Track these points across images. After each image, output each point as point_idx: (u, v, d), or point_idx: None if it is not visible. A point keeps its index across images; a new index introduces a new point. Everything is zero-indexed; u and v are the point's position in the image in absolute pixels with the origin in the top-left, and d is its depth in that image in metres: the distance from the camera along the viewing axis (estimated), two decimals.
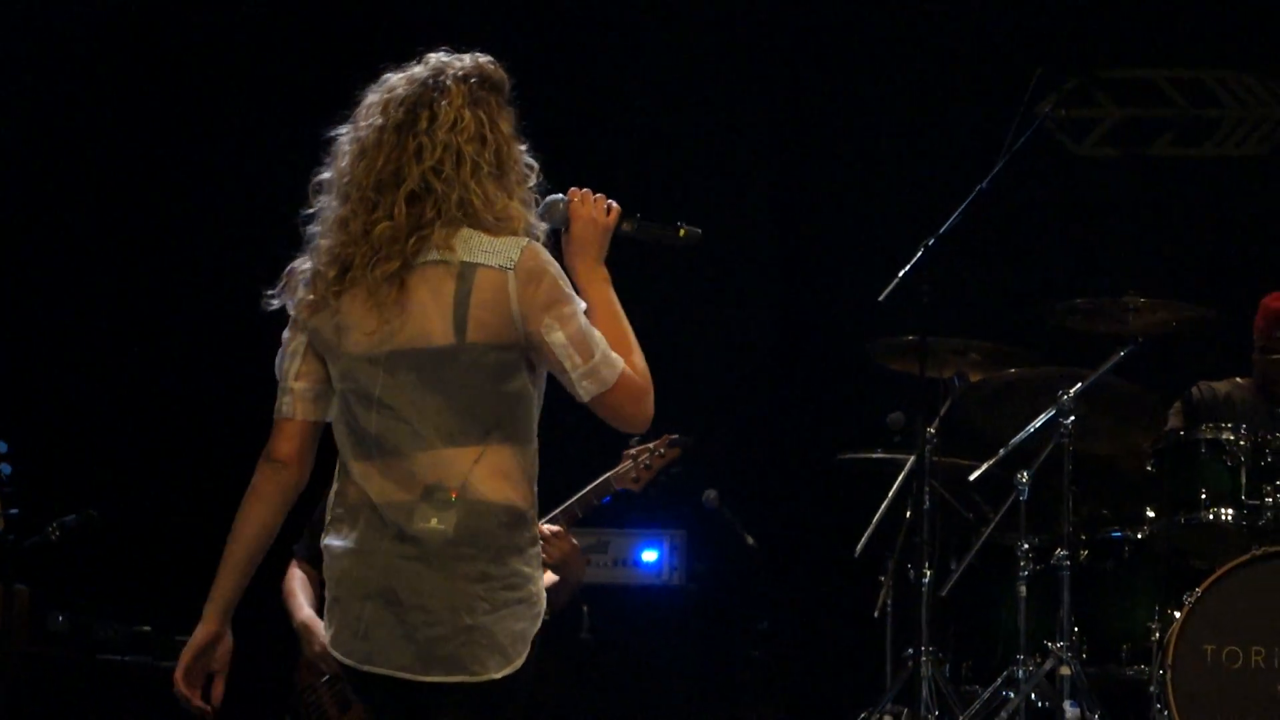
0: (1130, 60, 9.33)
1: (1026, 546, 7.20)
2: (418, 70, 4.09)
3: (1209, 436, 7.18)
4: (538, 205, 4.15)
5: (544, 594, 4.11)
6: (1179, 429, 7.39)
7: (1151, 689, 6.90)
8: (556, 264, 4.04)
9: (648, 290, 8.90)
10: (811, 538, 8.57)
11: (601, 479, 6.52)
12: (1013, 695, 7.10)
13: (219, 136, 8.87)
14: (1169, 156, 9.33)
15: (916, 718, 6.96)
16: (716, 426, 8.56)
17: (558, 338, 3.96)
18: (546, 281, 3.97)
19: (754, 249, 9.12)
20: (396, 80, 4.08)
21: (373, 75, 4.14)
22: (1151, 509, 7.35)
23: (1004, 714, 7.05)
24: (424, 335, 3.95)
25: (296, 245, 4.11)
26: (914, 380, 7.25)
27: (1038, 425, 7.20)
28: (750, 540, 7.75)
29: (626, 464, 6.52)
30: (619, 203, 4.26)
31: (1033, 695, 7.13)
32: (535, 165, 4.16)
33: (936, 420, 7.19)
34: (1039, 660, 7.10)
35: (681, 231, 4.30)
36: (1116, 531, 7.47)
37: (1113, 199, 9.17)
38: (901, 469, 7.33)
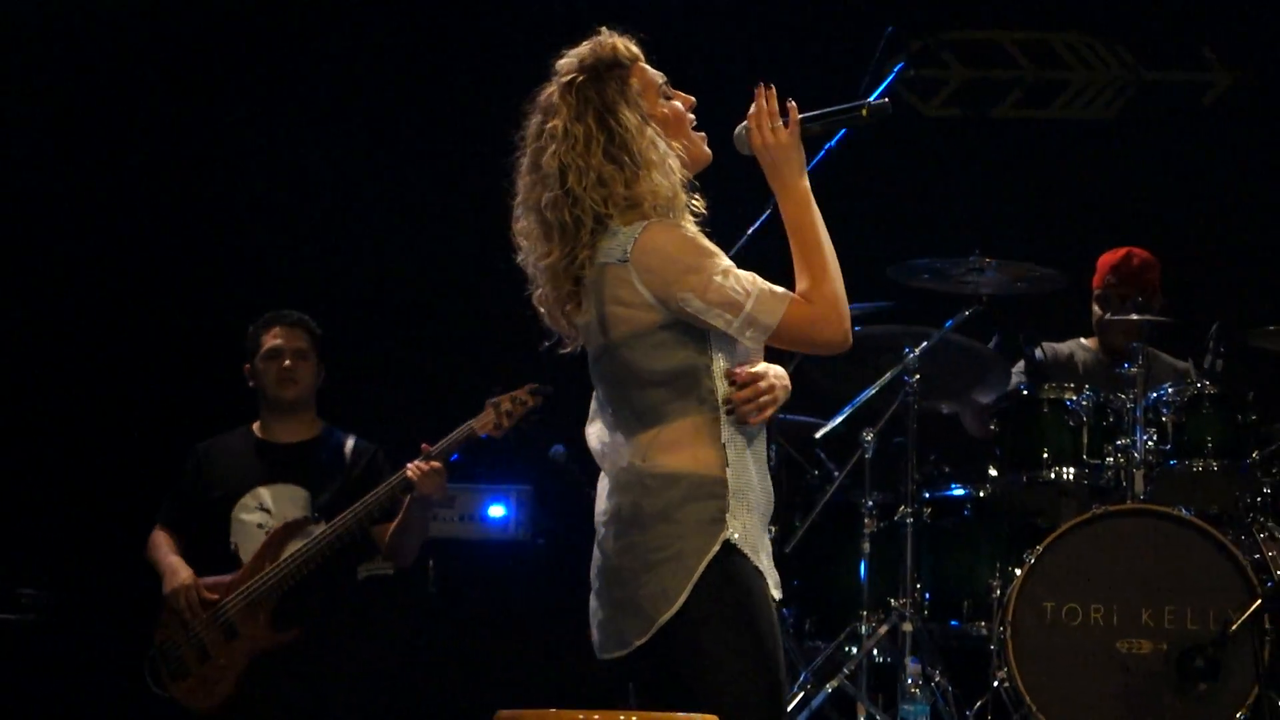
0: (977, 22, 9.40)
1: (871, 504, 7.30)
2: (544, 91, 4.30)
3: (1051, 396, 7.27)
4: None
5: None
6: (1021, 388, 7.46)
7: (992, 646, 6.98)
8: (676, 232, 4.14)
9: (503, 236, 8.97)
10: None
11: (464, 425, 6.57)
12: (855, 651, 7.18)
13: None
14: (1015, 118, 9.41)
15: None
16: (565, 380, 8.56)
17: (698, 305, 4.06)
18: (660, 259, 4.08)
19: None
20: (534, 105, 4.32)
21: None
22: (994, 467, 7.43)
23: (846, 669, 7.13)
24: (590, 340, 4.28)
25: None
26: None
27: (883, 384, 7.27)
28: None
29: (489, 412, 6.57)
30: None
31: (875, 651, 7.21)
32: (677, 113, 4.35)
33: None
34: (882, 617, 7.19)
35: (865, 111, 4.27)
36: (960, 489, 7.57)
37: (959, 160, 9.23)
38: None
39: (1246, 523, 6.98)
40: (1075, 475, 7.21)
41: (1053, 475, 7.23)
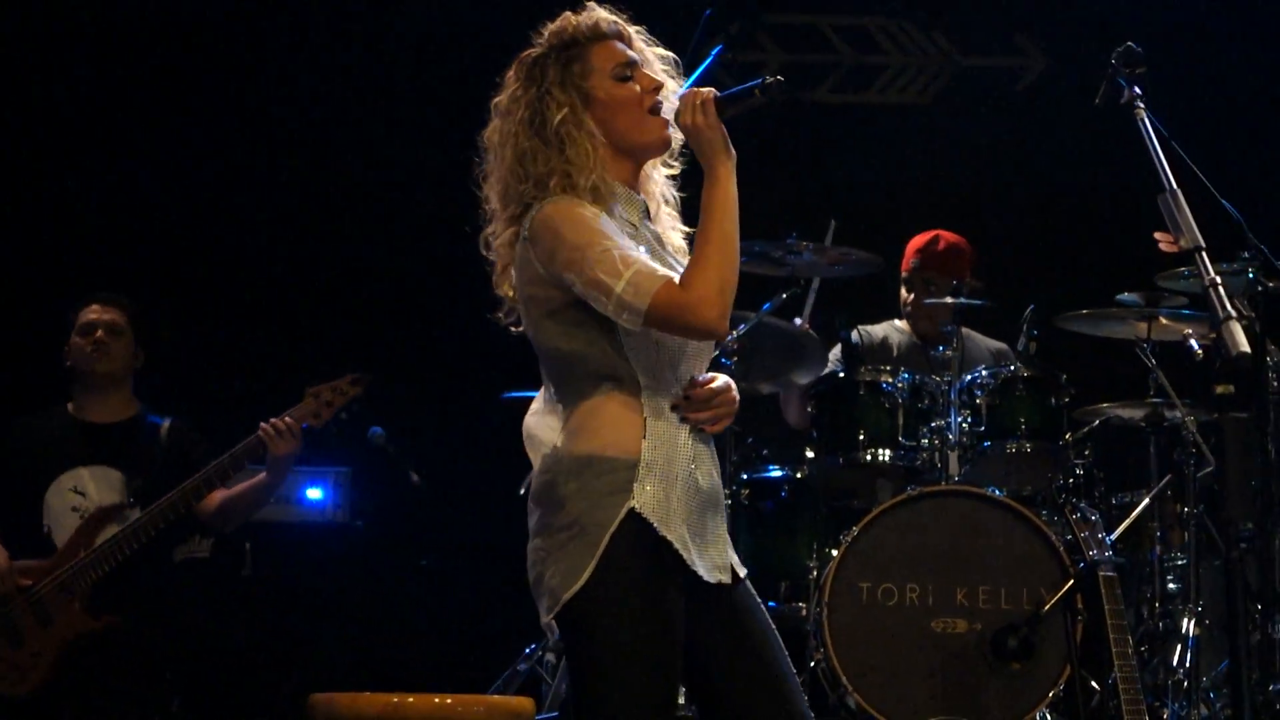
0: (795, 6, 9.44)
1: None
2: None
3: (867, 379, 7.33)
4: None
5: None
6: (839, 371, 7.51)
7: (809, 626, 7.03)
8: (568, 210, 4.08)
9: (319, 229, 8.91)
10: (477, 475, 8.55)
11: (284, 415, 6.51)
12: None
13: None
14: (832, 102, 9.47)
15: None
16: (383, 363, 8.51)
17: (579, 286, 4.01)
18: (546, 240, 4.05)
19: (414, 192, 9.05)
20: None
21: None
22: (811, 449, 7.48)
23: None
24: (522, 320, 4.26)
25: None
26: None
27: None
28: (416, 478, 7.71)
29: (308, 401, 6.53)
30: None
31: None
32: (627, 95, 4.20)
33: None
34: None
35: (757, 91, 4.14)
36: (777, 471, 7.60)
37: (777, 143, 9.27)
38: None
39: (1059, 504, 7.07)
40: (891, 457, 7.28)
41: (869, 457, 7.29)
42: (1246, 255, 7.55)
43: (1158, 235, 3.70)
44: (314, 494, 8.30)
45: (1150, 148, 3.58)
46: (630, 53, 4.24)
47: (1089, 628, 6.67)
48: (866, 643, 6.79)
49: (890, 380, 7.32)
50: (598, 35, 4.24)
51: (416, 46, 9.20)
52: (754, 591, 4.26)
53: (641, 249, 4.08)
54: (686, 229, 4.29)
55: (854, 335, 7.76)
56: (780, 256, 7.39)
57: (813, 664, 6.95)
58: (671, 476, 4.05)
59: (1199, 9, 9.04)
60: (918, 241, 7.96)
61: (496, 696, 3.95)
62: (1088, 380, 7.51)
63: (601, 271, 3.96)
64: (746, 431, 7.65)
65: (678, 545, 4.01)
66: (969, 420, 7.23)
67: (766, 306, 7.33)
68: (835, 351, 7.80)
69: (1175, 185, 3.49)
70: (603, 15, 4.28)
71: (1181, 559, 7.43)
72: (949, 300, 7.49)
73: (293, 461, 6.66)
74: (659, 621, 3.98)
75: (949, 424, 7.20)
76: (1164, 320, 7.18)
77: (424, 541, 8.63)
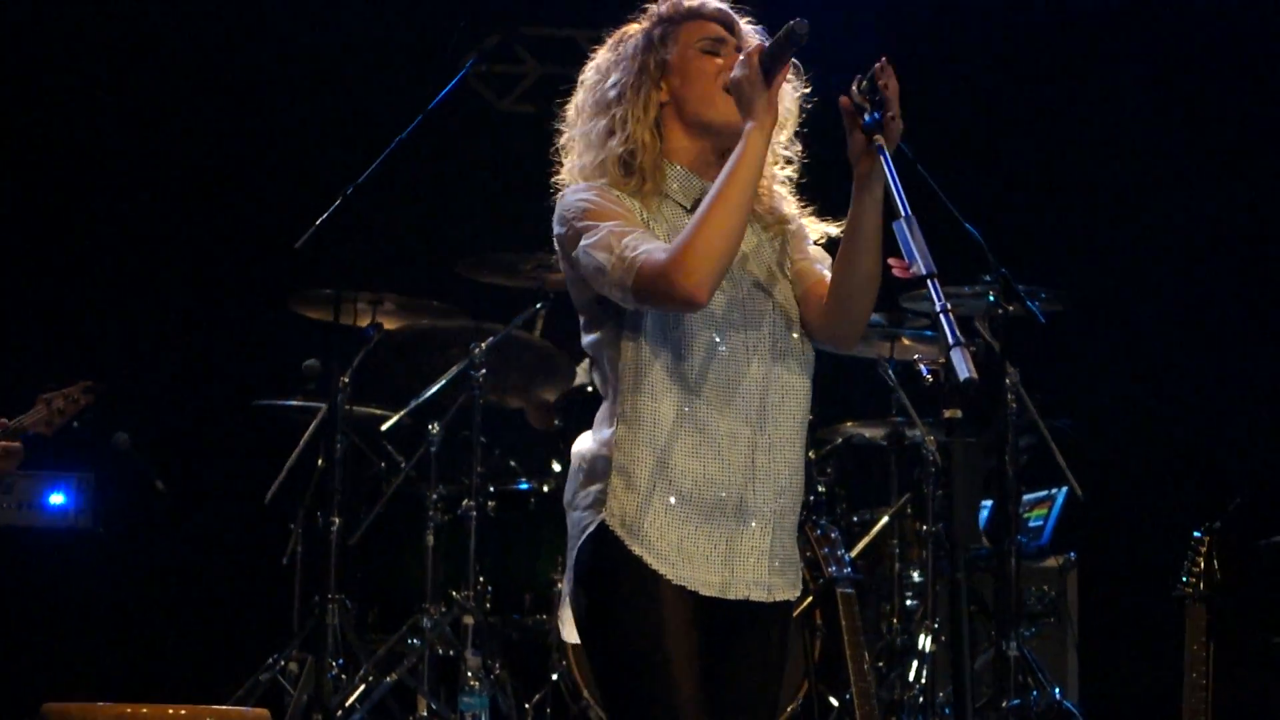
0: (553, 19, 9.46)
1: (436, 496, 7.31)
2: None
3: None
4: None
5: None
6: (586, 384, 7.55)
7: (552, 639, 7.05)
8: (577, 195, 3.96)
9: (69, 231, 8.77)
10: (224, 483, 8.48)
11: (12, 423, 6.39)
12: (418, 643, 7.19)
13: None
14: None
15: (321, 665, 6.97)
16: (129, 368, 8.42)
17: (585, 269, 3.82)
18: (557, 224, 3.96)
19: (166, 196, 8.96)
20: None
21: None
22: (558, 462, 7.53)
23: (407, 662, 7.14)
24: None
25: None
26: (330, 329, 7.24)
27: (449, 377, 7.29)
28: (160, 485, 7.63)
29: (39, 408, 6.41)
30: None
31: (438, 644, 7.23)
32: (699, 68, 3.97)
33: (350, 369, 7.19)
34: (444, 609, 7.21)
35: (790, 43, 3.80)
36: (524, 483, 7.62)
37: (533, 155, 9.27)
38: (315, 416, 7.32)
39: (800, 520, 7.15)
40: None
41: None
42: (988, 279, 7.74)
43: (891, 261, 3.76)
44: (56, 499, 8.17)
45: (888, 173, 3.64)
46: (729, 36, 4.00)
47: (827, 644, 6.75)
48: None
49: None
50: (696, 14, 4.02)
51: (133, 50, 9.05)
52: (783, 617, 4.00)
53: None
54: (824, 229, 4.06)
55: None
56: (530, 269, 7.41)
57: (555, 676, 6.98)
58: (640, 483, 3.82)
59: (932, 39, 9.19)
60: None
61: (232, 708, 3.91)
62: (831, 399, 7.61)
63: (593, 253, 3.78)
64: (493, 444, 7.67)
65: (653, 557, 3.79)
66: None
67: (515, 320, 7.35)
68: (584, 364, 7.83)
69: (910, 212, 3.55)
70: (714, 2, 4.05)
71: (920, 576, 7.57)
72: None
73: (9, 471, 6.54)
74: (625, 636, 3.77)
75: None
76: (906, 340, 7.31)
77: (167, 549, 8.53)
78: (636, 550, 3.78)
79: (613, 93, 3.98)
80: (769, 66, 3.78)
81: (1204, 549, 6.12)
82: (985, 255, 7.61)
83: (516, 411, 8.07)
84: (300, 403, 7.61)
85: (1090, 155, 9.23)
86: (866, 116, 3.73)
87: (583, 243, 3.81)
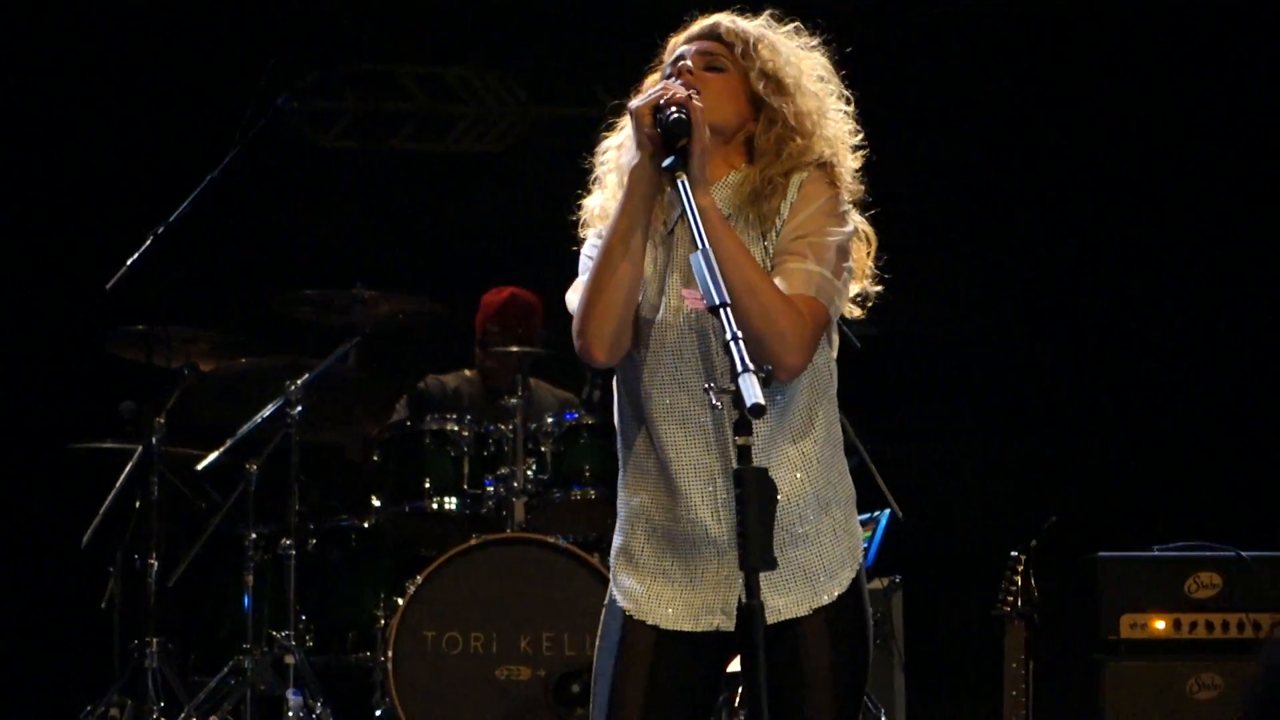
0: (372, 54, 9.44)
1: (255, 535, 7.25)
2: None
3: (433, 428, 7.38)
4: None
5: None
6: (405, 420, 7.54)
7: (375, 676, 7.02)
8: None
9: None
10: (38, 528, 8.37)
11: None
12: (239, 683, 7.12)
13: None
14: (409, 150, 9.49)
15: (142, 709, 6.90)
16: None
17: None
18: None
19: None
20: None
21: None
22: (378, 498, 7.50)
23: (229, 703, 7.07)
24: None
25: None
26: (144, 369, 7.17)
27: (265, 415, 7.24)
28: None
29: None
30: None
31: (260, 684, 7.16)
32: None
33: (166, 410, 7.13)
34: (265, 649, 7.15)
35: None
36: (344, 520, 7.58)
37: (354, 191, 9.26)
38: (131, 458, 7.24)
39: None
40: (458, 505, 7.35)
41: (435, 505, 7.35)
42: None
43: (685, 292, 3.78)
44: None
45: (687, 209, 3.65)
46: (694, 56, 3.96)
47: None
48: (431, 691, 6.82)
49: (456, 429, 7.37)
50: (687, 38, 4.02)
51: None
52: (835, 618, 3.88)
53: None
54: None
55: (422, 384, 7.79)
56: (346, 305, 7.38)
57: (379, 713, 6.94)
58: (625, 519, 3.93)
59: None
60: (493, 299, 8.00)
61: None
62: None
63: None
64: (313, 481, 7.62)
65: (621, 594, 3.88)
66: (534, 468, 7.32)
67: (334, 356, 7.30)
68: (403, 400, 7.82)
69: (708, 245, 3.56)
70: (712, 20, 4.01)
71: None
72: (515, 349, 7.57)
73: None
74: (610, 677, 3.85)
75: (514, 472, 7.27)
76: None
77: None
78: (613, 590, 3.91)
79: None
80: (670, 132, 3.73)
81: (1021, 568, 6.20)
82: None
83: (336, 448, 8.03)
84: (115, 445, 7.52)
85: (899, 177, 9.30)
86: (670, 158, 3.73)
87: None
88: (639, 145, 3.78)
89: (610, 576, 3.95)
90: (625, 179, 3.83)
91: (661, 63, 4.05)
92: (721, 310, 3.50)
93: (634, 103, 3.80)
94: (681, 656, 3.85)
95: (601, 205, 4.05)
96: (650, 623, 3.85)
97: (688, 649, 3.85)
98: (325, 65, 9.10)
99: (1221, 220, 9.19)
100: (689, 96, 3.77)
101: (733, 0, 4.17)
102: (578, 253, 4.04)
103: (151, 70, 8.92)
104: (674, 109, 3.73)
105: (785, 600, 3.85)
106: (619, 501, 3.97)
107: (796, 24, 4.07)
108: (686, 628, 3.85)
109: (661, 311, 3.88)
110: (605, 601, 3.95)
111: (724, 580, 3.83)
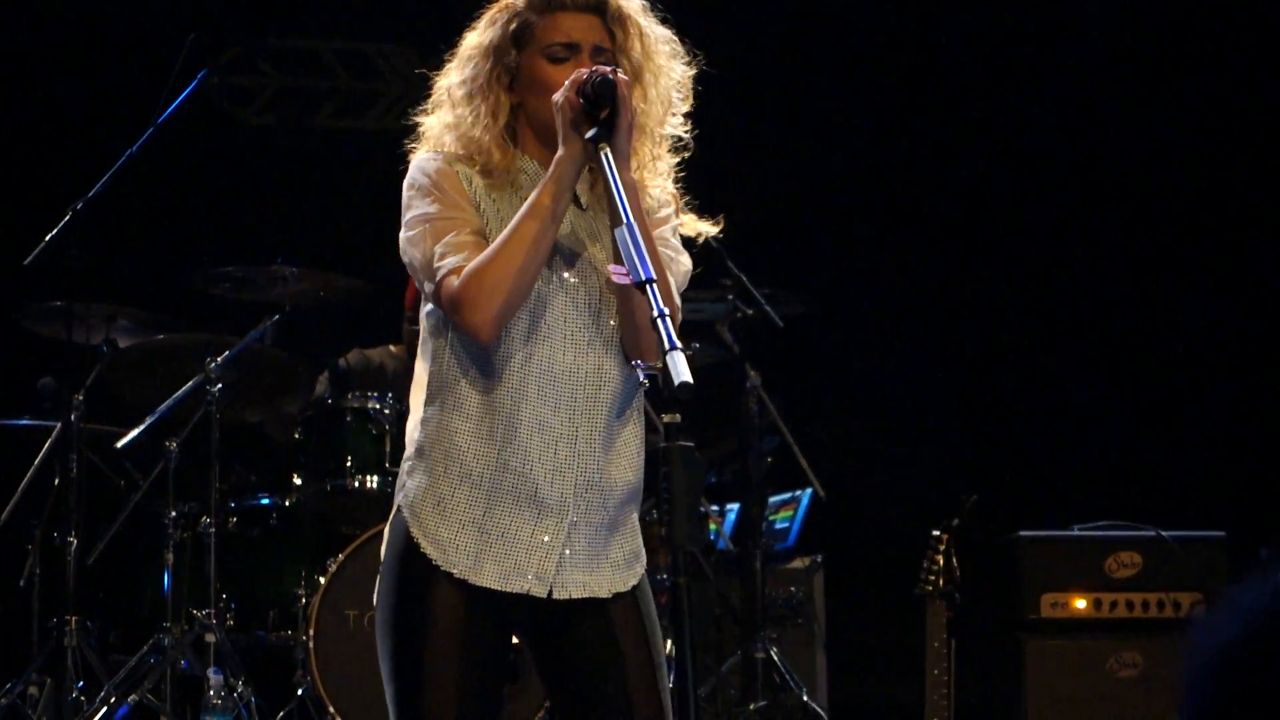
0: (295, 30, 9.39)
1: (175, 514, 7.21)
2: None
3: (355, 405, 7.35)
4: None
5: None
6: (326, 397, 7.50)
7: (297, 655, 6.99)
8: (416, 163, 3.93)
9: None
10: None
11: None
12: (159, 661, 7.08)
13: None
14: (330, 127, 9.45)
15: (61, 688, 6.85)
16: None
17: (401, 253, 3.87)
18: (405, 185, 3.92)
19: None
20: None
21: None
22: (299, 476, 7.46)
23: (149, 682, 7.03)
24: None
25: None
26: (62, 346, 7.12)
27: (185, 393, 7.19)
28: None
29: None
30: None
31: (180, 662, 7.13)
32: (543, 77, 3.83)
33: (85, 387, 7.07)
34: (186, 627, 7.11)
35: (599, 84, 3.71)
36: (265, 498, 7.55)
37: (274, 168, 9.21)
38: (50, 435, 7.19)
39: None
40: (379, 483, 7.31)
41: (357, 483, 7.32)
42: (726, 283, 7.80)
43: (611, 267, 3.75)
44: None
45: (611, 182, 3.63)
46: (592, 34, 3.86)
47: None
48: (352, 669, 6.77)
49: (378, 406, 7.35)
50: (559, 6, 3.86)
51: None
52: (635, 605, 3.86)
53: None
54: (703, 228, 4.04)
55: (343, 361, 7.74)
56: (267, 282, 7.34)
57: (300, 691, 6.92)
58: (435, 465, 3.79)
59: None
60: None
61: None
62: None
63: (413, 247, 3.80)
64: (233, 459, 7.58)
65: (426, 545, 3.76)
66: None
67: (253, 334, 7.26)
68: (324, 377, 7.78)
69: (632, 219, 3.54)
70: None
71: (667, 580, 7.60)
72: None
73: None
74: (400, 623, 3.76)
75: None
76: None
77: None
78: (415, 534, 3.76)
79: (463, 91, 3.89)
80: (594, 99, 3.68)
81: (942, 547, 6.22)
82: (724, 261, 7.69)
83: (256, 425, 7.99)
84: (33, 421, 7.46)
85: (825, 157, 9.33)
86: (594, 128, 3.70)
87: (403, 230, 3.83)
88: (563, 136, 3.71)
89: (405, 515, 3.81)
90: (557, 162, 3.72)
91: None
92: (648, 286, 3.48)
93: (556, 95, 3.73)
94: (487, 614, 3.77)
95: (440, 132, 3.96)
96: (458, 575, 3.75)
97: (492, 609, 3.78)
98: (246, 41, 9.03)
99: (1138, 196, 9.26)
100: (614, 69, 3.75)
101: None
102: None
103: (72, 44, 8.85)
104: (597, 75, 3.70)
105: (590, 579, 3.83)
106: (423, 439, 3.84)
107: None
108: (495, 585, 3.76)
109: (546, 278, 3.81)
110: (393, 545, 3.82)
111: (541, 545, 3.77)
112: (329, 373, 7.72)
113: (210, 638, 6.99)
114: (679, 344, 3.40)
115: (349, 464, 7.30)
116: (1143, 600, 6.94)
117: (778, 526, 8.60)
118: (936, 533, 6.22)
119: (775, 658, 7.70)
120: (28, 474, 7.21)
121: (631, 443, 3.89)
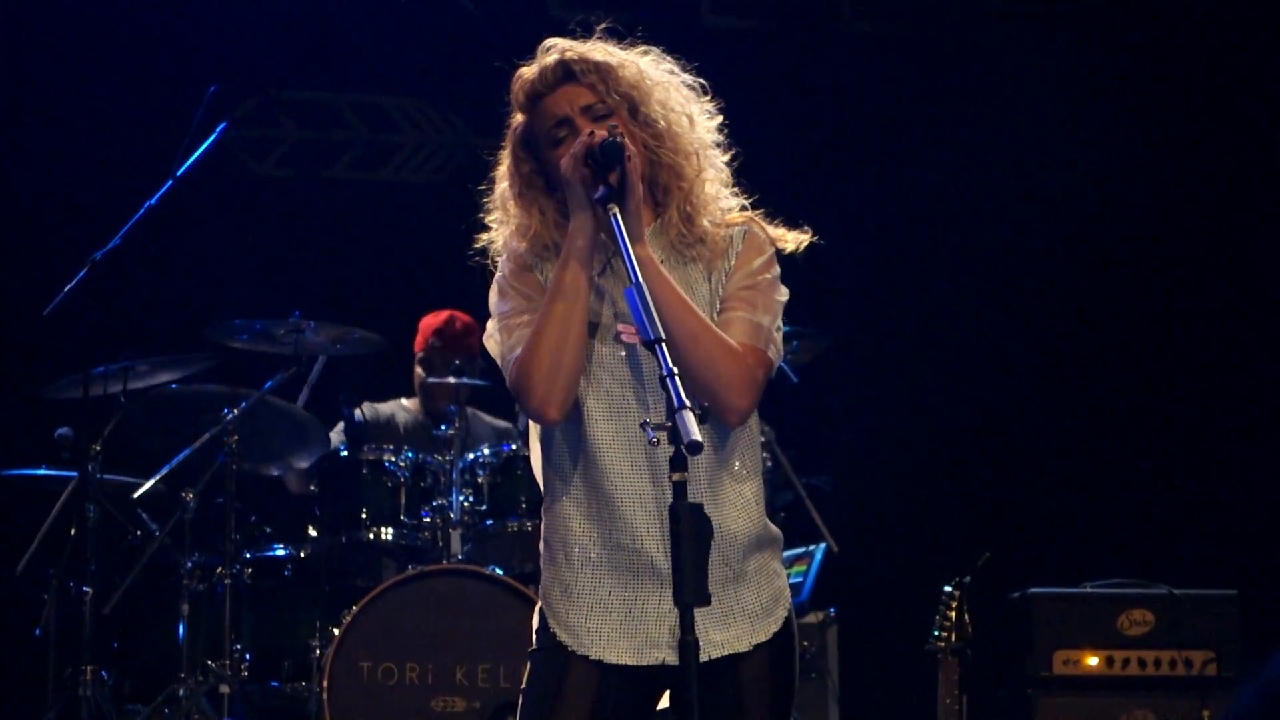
0: (312, 83, 9.44)
1: (190, 564, 7.23)
2: None
3: (370, 458, 7.38)
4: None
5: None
6: (341, 449, 7.52)
7: (310, 706, 7.01)
8: (499, 270, 4.01)
9: None
10: None
11: None
12: (173, 713, 7.09)
13: None
14: (347, 179, 9.48)
15: None
16: None
17: None
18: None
19: None
20: None
21: None
22: (314, 527, 7.48)
23: None
24: None
25: None
26: (80, 397, 7.14)
27: (200, 444, 7.21)
28: None
29: None
30: None
31: (194, 713, 7.14)
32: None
33: (102, 437, 7.09)
34: (201, 678, 7.12)
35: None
36: (281, 550, 7.56)
37: (291, 219, 9.24)
38: (67, 486, 7.21)
39: None
40: (394, 535, 7.34)
41: (372, 536, 7.34)
42: None
43: (621, 327, 3.80)
44: None
45: (620, 243, 3.67)
46: (576, 99, 3.91)
47: None
48: None
49: (393, 459, 7.38)
50: (537, 97, 3.92)
51: None
52: (767, 662, 3.89)
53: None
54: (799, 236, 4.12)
55: (358, 413, 7.77)
56: (283, 335, 7.38)
57: None
58: (556, 552, 3.89)
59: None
60: (433, 320, 8.02)
61: None
62: None
63: (490, 342, 3.95)
64: (249, 510, 7.60)
65: (560, 632, 3.84)
66: (471, 499, 7.32)
67: (268, 385, 7.29)
68: (339, 429, 7.80)
69: (641, 280, 3.58)
70: (547, 62, 3.94)
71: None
72: (452, 380, 7.59)
73: None
74: (546, 711, 3.81)
75: (450, 502, 7.28)
76: None
77: None
78: (551, 622, 3.85)
79: (513, 202, 4.00)
80: (602, 162, 3.75)
81: (954, 603, 6.23)
82: None
83: (272, 477, 8.01)
84: (51, 471, 7.49)
85: (838, 204, 9.34)
86: (601, 188, 3.75)
87: (488, 326, 3.95)
88: (571, 209, 3.81)
89: (537, 615, 3.90)
90: (574, 233, 3.82)
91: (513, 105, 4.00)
92: (657, 346, 3.51)
93: (563, 170, 3.80)
94: (624, 691, 3.83)
95: (509, 238, 4.02)
96: (594, 657, 3.81)
97: (628, 683, 3.83)
98: (264, 93, 9.08)
99: (1152, 254, 9.29)
100: (610, 126, 3.81)
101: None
102: None
103: (92, 97, 8.89)
104: (595, 141, 3.76)
105: (727, 635, 3.85)
106: (545, 531, 3.93)
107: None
108: (630, 661, 3.82)
109: (600, 342, 3.89)
110: (532, 644, 3.91)
111: (668, 614, 3.77)
112: (344, 424, 7.75)
113: (225, 688, 7.02)
114: (688, 403, 3.43)
115: (364, 516, 7.33)
116: (1155, 658, 6.94)
117: (791, 581, 8.59)
118: (949, 588, 6.24)
119: None
120: (45, 523, 7.23)
121: (745, 492, 3.93)
